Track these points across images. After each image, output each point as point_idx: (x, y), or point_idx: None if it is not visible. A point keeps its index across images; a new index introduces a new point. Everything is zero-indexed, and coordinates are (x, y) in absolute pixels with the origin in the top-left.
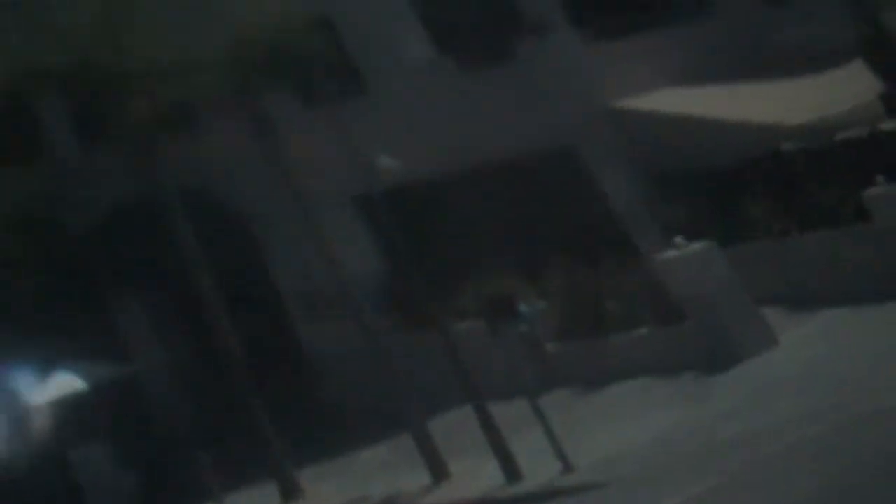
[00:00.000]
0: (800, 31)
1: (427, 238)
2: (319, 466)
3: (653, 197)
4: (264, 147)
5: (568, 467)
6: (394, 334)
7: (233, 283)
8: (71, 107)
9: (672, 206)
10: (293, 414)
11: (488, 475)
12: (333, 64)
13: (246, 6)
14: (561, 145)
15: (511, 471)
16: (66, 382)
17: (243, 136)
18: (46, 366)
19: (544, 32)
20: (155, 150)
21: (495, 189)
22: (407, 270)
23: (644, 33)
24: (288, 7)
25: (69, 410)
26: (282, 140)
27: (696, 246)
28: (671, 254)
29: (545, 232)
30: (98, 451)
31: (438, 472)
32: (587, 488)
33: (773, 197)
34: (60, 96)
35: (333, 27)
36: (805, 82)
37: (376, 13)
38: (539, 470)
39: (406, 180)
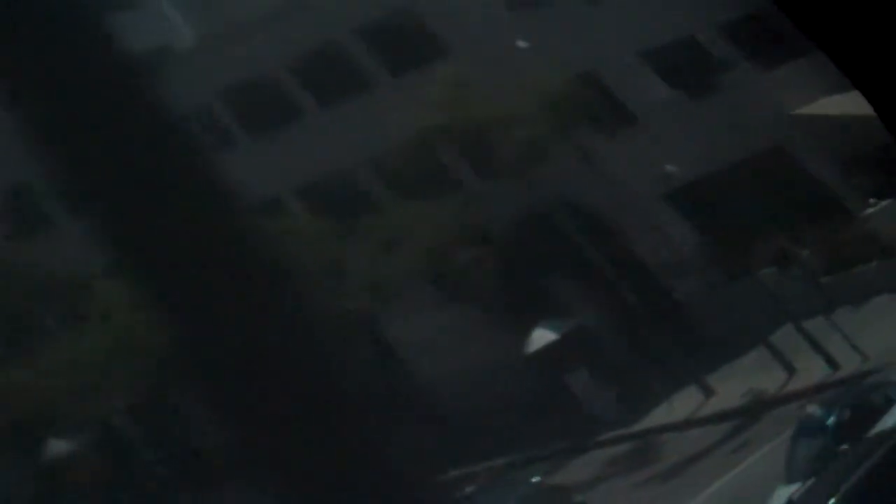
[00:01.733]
0: None
1: (712, 217)
2: (714, 374)
3: (842, 172)
4: (590, 169)
5: (865, 357)
6: (714, 283)
7: (613, 260)
8: (461, 151)
9: (856, 177)
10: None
11: (819, 368)
12: (608, 103)
13: (540, 69)
14: (774, 146)
15: (832, 363)
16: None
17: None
18: None
19: (729, 68)
20: (525, 174)
21: (743, 180)
22: (704, 241)
23: (795, 60)
24: (564, 67)
25: None
26: (598, 161)
27: (885, 202)
28: (871, 210)
29: (784, 205)
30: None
31: (788, 369)
32: (882, 369)
33: None
34: (453, 144)
35: (599, 79)
36: None
37: (621, 67)
38: (847, 361)
39: (685, 181)
